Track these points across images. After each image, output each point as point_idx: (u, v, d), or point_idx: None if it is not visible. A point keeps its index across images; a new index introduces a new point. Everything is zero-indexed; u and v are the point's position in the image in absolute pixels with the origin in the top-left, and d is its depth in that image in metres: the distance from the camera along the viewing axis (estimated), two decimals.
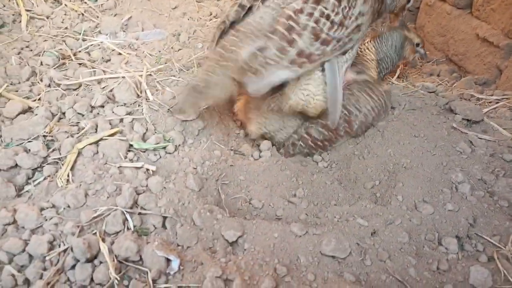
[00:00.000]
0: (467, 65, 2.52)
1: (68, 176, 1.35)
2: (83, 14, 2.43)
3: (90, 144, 1.44)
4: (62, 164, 1.39)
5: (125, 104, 1.68)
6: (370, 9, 1.50)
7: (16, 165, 1.39)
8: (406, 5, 1.91)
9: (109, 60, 2.07)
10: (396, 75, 2.32)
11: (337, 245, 1.22)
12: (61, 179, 1.32)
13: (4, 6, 2.34)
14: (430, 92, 2.10)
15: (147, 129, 1.59)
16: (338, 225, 1.35)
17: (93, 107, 1.66)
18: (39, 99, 1.71)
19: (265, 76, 1.40)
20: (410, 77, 2.37)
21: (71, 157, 1.40)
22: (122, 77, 1.83)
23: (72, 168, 1.39)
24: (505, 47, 2.22)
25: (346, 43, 1.47)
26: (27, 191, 1.34)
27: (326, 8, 1.35)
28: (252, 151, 1.79)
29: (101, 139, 1.48)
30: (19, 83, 1.84)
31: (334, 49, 1.42)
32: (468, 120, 1.84)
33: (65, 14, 2.40)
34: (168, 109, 1.66)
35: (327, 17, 1.36)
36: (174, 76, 1.95)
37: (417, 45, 2.12)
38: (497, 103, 2.02)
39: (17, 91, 1.76)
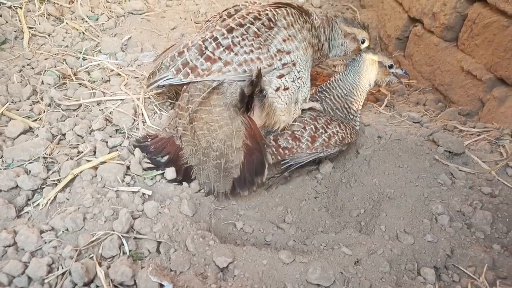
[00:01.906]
0: (452, 96, 2.64)
1: (55, 198, 1.41)
2: (84, 33, 2.49)
3: (89, 168, 1.50)
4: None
5: (123, 127, 1.75)
6: (301, 47, 1.71)
7: (17, 186, 1.44)
8: (361, 46, 1.98)
9: (109, 80, 2.13)
10: (384, 104, 2.42)
11: (322, 274, 1.29)
12: (48, 198, 1.38)
13: (7, 22, 2.39)
14: (415, 123, 2.20)
15: None
16: (323, 253, 1.42)
17: (92, 130, 1.72)
18: (40, 119, 1.77)
19: (157, 78, 1.65)
20: (397, 106, 2.47)
21: (64, 182, 1.45)
22: (121, 99, 1.90)
23: (70, 191, 1.45)
24: (487, 81, 2.34)
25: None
26: (26, 212, 1.39)
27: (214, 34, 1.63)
28: None
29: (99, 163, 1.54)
30: (20, 101, 1.89)
31: (220, 69, 1.59)
32: (450, 152, 1.94)
33: (66, 33, 2.47)
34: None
35: (215, 39, 1.61)
36: (171, 99, 2.02)
37: (390, 66, 2.03)
38: (478, 135, 2.12)
39: (18, 110, 1.81)
